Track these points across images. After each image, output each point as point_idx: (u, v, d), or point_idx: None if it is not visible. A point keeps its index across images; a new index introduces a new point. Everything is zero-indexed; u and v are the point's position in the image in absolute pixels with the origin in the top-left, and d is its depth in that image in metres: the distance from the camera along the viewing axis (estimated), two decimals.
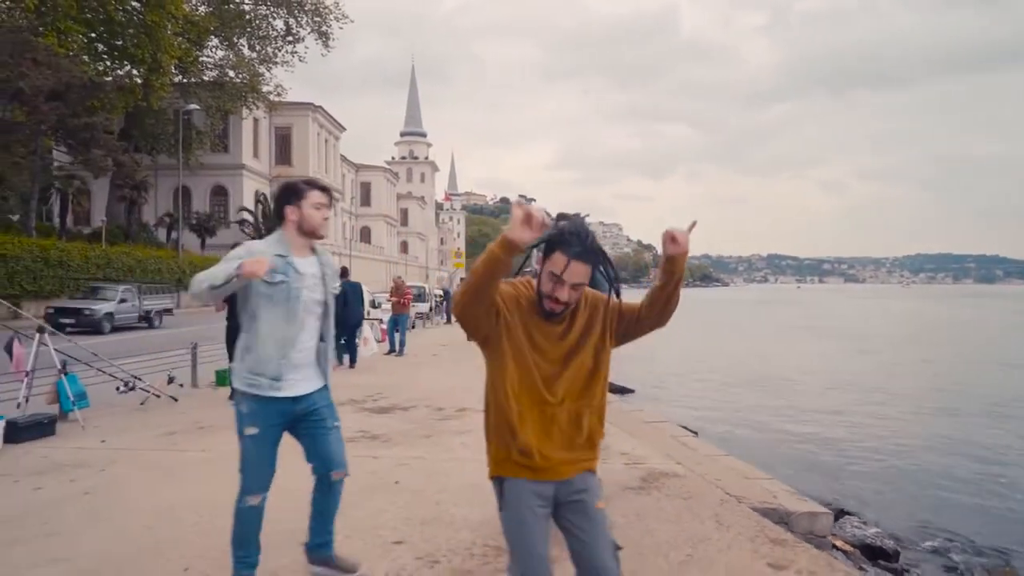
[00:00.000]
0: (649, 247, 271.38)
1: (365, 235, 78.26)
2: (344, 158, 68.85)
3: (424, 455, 5.58)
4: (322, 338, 3.03)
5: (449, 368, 11.96)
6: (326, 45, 40.39)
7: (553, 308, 2.03)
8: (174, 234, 38.37)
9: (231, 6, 38.37)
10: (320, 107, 56.08)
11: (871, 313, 61.39)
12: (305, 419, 2.96)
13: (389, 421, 7.07)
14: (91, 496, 4.45)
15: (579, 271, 1.97)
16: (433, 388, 9.37)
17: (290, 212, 2.92)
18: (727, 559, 3.49)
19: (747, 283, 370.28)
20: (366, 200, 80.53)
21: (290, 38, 40.20)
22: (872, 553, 5.76)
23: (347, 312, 11.05)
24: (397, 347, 14.42)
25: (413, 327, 27.15)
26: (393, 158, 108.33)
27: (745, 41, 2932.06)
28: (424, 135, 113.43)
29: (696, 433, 8.95)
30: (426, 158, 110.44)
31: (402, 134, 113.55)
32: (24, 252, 21.96)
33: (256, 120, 48.66)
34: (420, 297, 33.47)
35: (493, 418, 2.11)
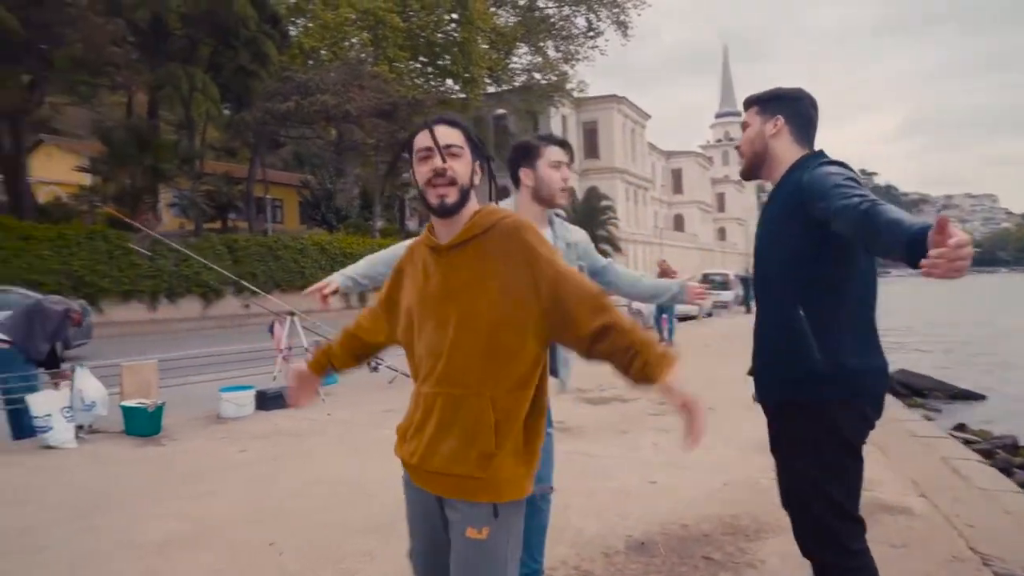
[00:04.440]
0: None
1: (678, 223, 77.16)
2: (652, 146, 68.65)
3: (598, 452, 5.02)
4: None
5: (710, 360, 10.92)
6: (624, 35, 40.59)
7: (443, 193, 1.57)
8: None
9: (536, 13, 40.73)
10: (624, 98, 56.57)
11: None
12: None
13: (597, 412, 6.60)
14: (275, 461, 4.89)
15: (445, 132, 1.59)
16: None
17: (525, 176, 2.52)
18: None
19: None
20: (678, 187, 79.34)
21: (591, 33, 41.27)
22: None
23: None
24: (665, 335, 13.72)
25: (710, 315, 25.86)
26: (708, 142, 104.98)
27: None
28: (740, 115, 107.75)
29: None
30: None
31: (716, 116, 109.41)
32: (365, 250, 26.17)
33: (564, 117, 50.99)
34: (723, 285, 31.72)
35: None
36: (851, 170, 1.89)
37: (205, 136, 28.34)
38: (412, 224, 47.41)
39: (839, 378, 1.91)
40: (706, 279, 32.48)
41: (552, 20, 41.04)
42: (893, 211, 1.55)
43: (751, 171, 2.21)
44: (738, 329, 16.44)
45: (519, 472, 1.56)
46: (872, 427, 2.03)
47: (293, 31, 30.98)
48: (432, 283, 1.62)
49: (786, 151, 2.08)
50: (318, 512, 3.76)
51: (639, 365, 1.48)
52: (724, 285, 31.58)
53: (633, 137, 60.13)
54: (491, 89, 39.10)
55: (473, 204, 1.64)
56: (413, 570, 1.74)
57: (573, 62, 41.32)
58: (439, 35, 32.98)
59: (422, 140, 1.59)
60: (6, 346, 5.65)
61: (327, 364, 1.87)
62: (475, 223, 1.60)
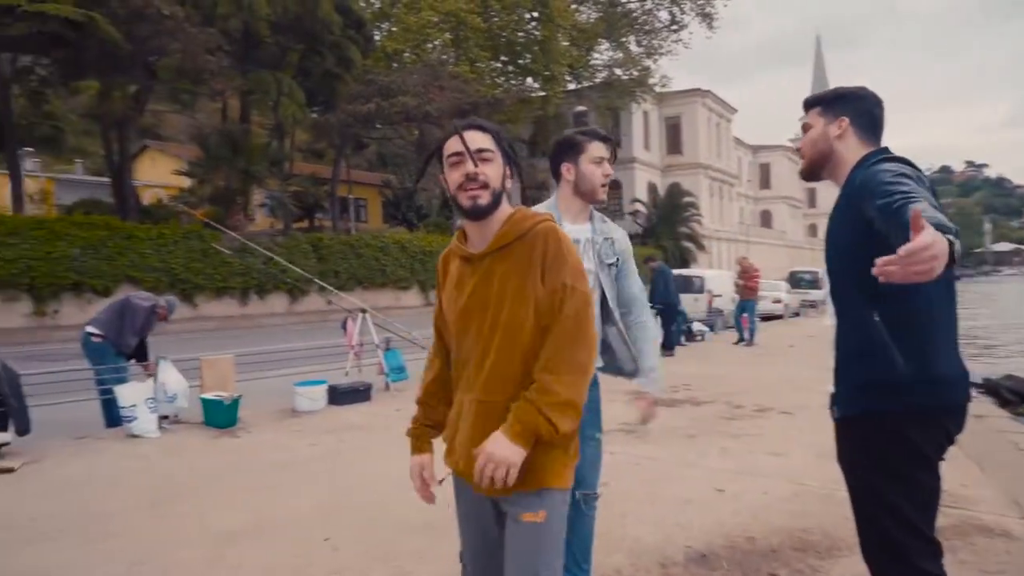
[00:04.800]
0: None
1: (766, 219, 74.42)
2: (738, 140, 66.46)
3: (663, 457, 4.84)
4: (604, 319, 2.47)
5: (794, 362, 10.43)
6: (710, 27, 39.43)
7: (475, 195, 1.59)
8: None
9: (618, 8, 40.11)
10: (709, 91, 54.88)
11: None
12: None
13: (665, 415, 6.37)
14: (338, 455, 4.99)
15: (475, 137, 1.61)
16: (752, 383, 8.24)
17: (566, 170, 2.52)
18: None
19: None
20: (765, 182, 76.55)
21: (674, 27, 40.29)
22: None
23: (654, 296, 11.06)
24: (746, 336, 13.21)
25: (796, 315, 24.85)
26: (798, 135, 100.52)
27: None
28: None
29: None
30: None
31: None
32: (440, 247, 26.55)
33: (646, 112, 50.05)
34: (813, 284, 30.52)
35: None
36: (911, 166, 1.75)
37: (294, 139, 29.47)
38: None
39: (916, 387, 1.76)
40: (794, 277, 31.28)
41: (634, 15, 40.27)
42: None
43: (812, 172, 2.10)
44: (825, 329, 15.62)
45: (559, 461, 1.61)
46: (952, 442, 1.85)
47: (377, 35, 31.75)
48: (467, 293, 1.64)
49: (852, 152, 1.95)
50: (375, 509, 3.78)
51: (518, 407, 1.54)
52: (813, 283, 30.30)
53: (718, 131, 58.37)
54: (571, 86, 38.75)
55: (506, 207, 1.65)
56: (463, 571, 1.78)
57: (656, 56, 40.46)
58: (520, 34, 32.97)
59: (453, 145, 1.60)
60: (99, 340, 6.00)
61: (428, 439, 1.84)
62: (509, 229, 1.61)
